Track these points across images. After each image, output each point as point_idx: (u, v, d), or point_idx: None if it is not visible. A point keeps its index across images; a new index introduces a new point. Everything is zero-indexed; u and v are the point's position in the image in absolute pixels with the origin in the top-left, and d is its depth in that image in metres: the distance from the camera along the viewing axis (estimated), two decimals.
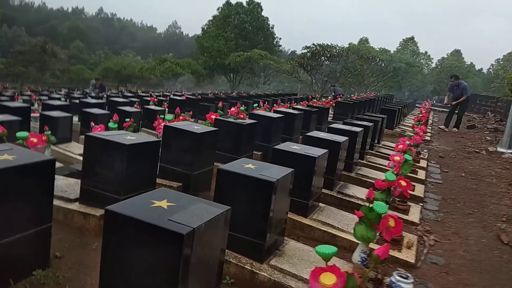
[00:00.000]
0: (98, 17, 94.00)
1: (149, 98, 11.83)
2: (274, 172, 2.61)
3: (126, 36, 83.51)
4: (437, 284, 2.83)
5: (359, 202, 4.07)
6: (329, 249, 1.74)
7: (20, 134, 3.29)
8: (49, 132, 5.96)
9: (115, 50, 66.49)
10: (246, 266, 2.48)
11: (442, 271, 3.04)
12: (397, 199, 4.04)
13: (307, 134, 4.38)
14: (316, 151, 3.45)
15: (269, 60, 31.56)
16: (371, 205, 2.56)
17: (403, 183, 3.36)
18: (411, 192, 4.75)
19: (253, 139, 5.12)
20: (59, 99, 11.48)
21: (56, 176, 3.92)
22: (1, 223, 2.02)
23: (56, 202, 3.02)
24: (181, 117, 5.77)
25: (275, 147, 3.44)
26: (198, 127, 3.91)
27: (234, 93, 20.44)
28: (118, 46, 71.23)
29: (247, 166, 2.69)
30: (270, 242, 2.61)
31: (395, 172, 3.53)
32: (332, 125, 5.27)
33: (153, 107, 8.99)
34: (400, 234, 2.81)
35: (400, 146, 4.87)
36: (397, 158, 4.15)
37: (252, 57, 31.93)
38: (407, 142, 4.95)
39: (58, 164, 4.34)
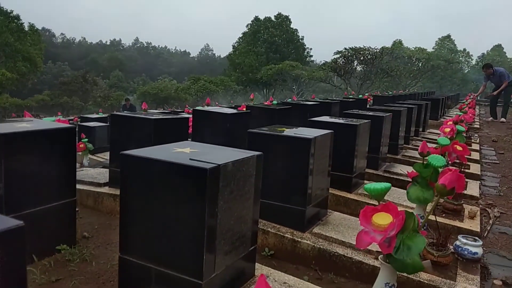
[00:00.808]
0: (135, 47, 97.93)
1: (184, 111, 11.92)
2: (311, 132, 2.36)
3: (162, 63, 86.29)
4: (510, 253, 2.44)
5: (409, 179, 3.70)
6: (382, 185, 1.46)
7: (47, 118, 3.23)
8: (86, 140, 6.02)
9: (152, 76, 68.72)
10: (286, 235, 2.22)
11: None
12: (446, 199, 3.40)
13: (346, 111, 4.09)
14: (358, 122, 3.17)
15: (300, 70, 31.30)
16: (425, 161, 2.24)
17: (459, 147, 2.98)
18: (466, 171, 4.32)
19: None
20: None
21: (87, 168, 3.84)
22: (21, 192, 1.89)
23: (86, 187, 2.92)
24: None
25: (312, 119, 3.19)
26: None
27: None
28: (154, 72, 73.66)
29: (280, 128, 2.45)
30: (312, 211, 2.34)
31: (448, 137, 3.15)
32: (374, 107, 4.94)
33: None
34: (462, 191, 2.44)
35: (449, 123, 4.45)
36: (447, 129, 3.75)
37: (284, 69, 31.80)
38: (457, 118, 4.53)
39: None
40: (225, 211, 1.44)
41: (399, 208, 2.73)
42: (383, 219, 1.37)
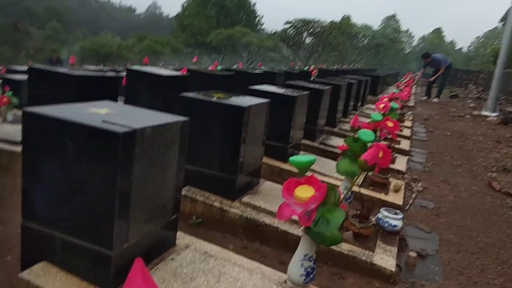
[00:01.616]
0: None
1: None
2: (247, 101, 2.29)
3: (104, 17, 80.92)
4: (427, 226, 2.58)
5: None
6: (306, 157, 1.43)
7: None
8: (11, 93, 5.51)
9: (93, 31, 64.31)
10: (215, 204, 2.17)
11: (432, 214, 2.80)
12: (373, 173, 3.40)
13: (288, 82, 4.05)
14: (296, 93, 3.14)
15: (251, 37, 30.87)
16: (356, 135, 2.26)
17: (390, 123, 3.06)
18: (396, 146, 4.51)
19: None
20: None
21: (5, 124, 3.52)
22: None
23: (0, 145, 2.66)
24: None
25: (252, 87, 3.10)
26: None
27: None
28: (96, 27, 68.92)
29: (217, 95, 2.35)
30: (243, 180, 2.31)
31: (382, 113, 3.23)
32: (316, 79, 4.96)
33: None
34: (388, 166, 2.52)
35: (384, 100, 4.58)
36: (381, 105, 3.85)
37: (234, 35, 31.20)
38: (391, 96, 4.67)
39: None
40: (142, 178, 1.34)
41: (330, 180, 2.78)
42: (305, 192, 1.35)
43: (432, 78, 10.86)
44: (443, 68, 10.48)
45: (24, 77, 6.57)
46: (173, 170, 1.54)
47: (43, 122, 1.30)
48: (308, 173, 1.40)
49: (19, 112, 5.77)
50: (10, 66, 10.66)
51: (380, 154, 2.22)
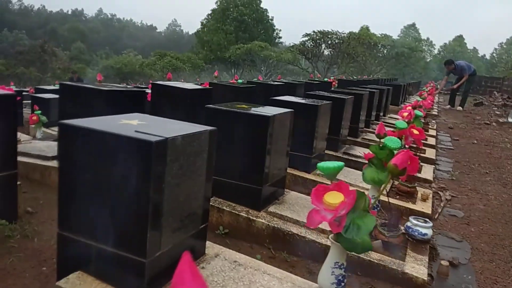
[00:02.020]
0: (98, 18, 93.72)
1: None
2: (271, 110, 2.31)
3: (127, 36, 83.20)
4: (458, 235, 2.52)
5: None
6: (334, 163, 1.43)
7: None
8: (40, 112, 5.70)
9: (116, 50, 66.19)
10: (241, 214, 2.18)
11: (462, 223, 2.73)
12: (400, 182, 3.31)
13: (309, 92, 4.06)
14: (319, 102, 3.15)
15: (269, 51, 31.09)
16: (382, 143, 2.25)
17: (415, 131, 3.03)
18: (421, 155, 4.44)
19: None
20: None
21: (35, 140, 3.64)
22: None
23: (32, 160, 2.76)
24: None
25: (274, 98, 3.13)
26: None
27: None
28: (119, 46, 70.93)
29: (240, 105, 2.39)
30: (268, 190, 2.31)
31: (406, 120, 3.20)
32: (337, 89, 4.95)
33: None
34: (415, 173, 2.49)
35: (408, 108, 4.53)
36: (405, 113, 3.81)
37: (252, 49, 31.48)
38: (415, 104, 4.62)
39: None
40: (173, 187, 1.37)
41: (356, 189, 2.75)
42: (334, 198, 1.34)
43: (455, 86, 10.50)
44: (466, 75, 10.10)
45: (52, 96, 6.81)
46: (202, 179, 1.57)
47: (78, 133, 1.35)
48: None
49: (47, 130, 5.97)
50: (38, 86, 11.05)
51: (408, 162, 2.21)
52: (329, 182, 1.40)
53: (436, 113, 9.56)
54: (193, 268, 0.52)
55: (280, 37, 45.67)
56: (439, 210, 2.88)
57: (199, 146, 1.50)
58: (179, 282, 0.51)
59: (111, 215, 1.34)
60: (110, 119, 1.51)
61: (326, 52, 27.18)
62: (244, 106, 2.41)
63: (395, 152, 2.16)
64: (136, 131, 1.33)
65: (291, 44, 31.12)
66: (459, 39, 53.47)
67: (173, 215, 1.41)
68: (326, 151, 3.68)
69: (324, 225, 2.07)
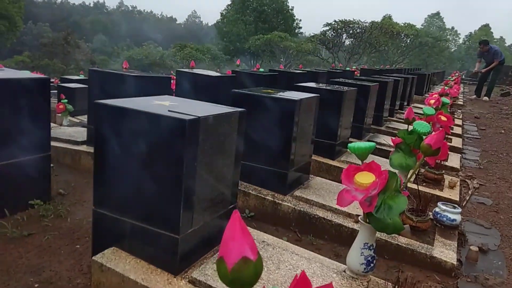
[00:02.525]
0: (119, 11, 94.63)
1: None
2: (297, 95, 2.31)
3: (147, 28, 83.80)
4: (487, 222, 2.48)
5: (392, 150, 3.71)
6: (366, 144, 1.43)
7: None
8: (66, 101, 5.83)
9: (137, 42, 66.79)
10: (267, 197, 2.20)
11: (491, 210, 2.68)
12: (427, 169, 3.22)
13: (333, 79, 4.03)
14: (344, 88, 3.12)
15: (289, 41, 30.85)
16: (410, 127, 2.22)
17: (443, 118, 2.97)
18: (448, 144, 4.35)
19: None
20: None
21: (65, 126, 3.73)
22: None
23: (63, 145, 2.83)
24: None
25: (298, 84, 3.12)
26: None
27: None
28: (139, 38, 71.53)
29: (266, 90, 2.39)
30: (294, 175, 2.32)
31: (434, 107, 3.14)
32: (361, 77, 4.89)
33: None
34: (445, 158, 2.45)
35: (435, 96, 4.44)
36: (432, 101, 3.74)
37: (272, 40, 31.30)
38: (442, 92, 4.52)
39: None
40: (204, 166, 1.39)
41: None
42: (365, 178, 1.34)
43: (484, 70, 9.95)
44: (497, 61, 9.59)
45: (77, 85, 6.94)
46: (231, 160, 1.58)
47: (114, 112, 1.38)
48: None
49: (73, 118, 6.10)
50: (63, 76, 11.27)
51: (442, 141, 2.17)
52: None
53: (461, 103, 9.34)
54: (242, 224, 0.53)
55: (300, 27, 45.24)
56: (467, 198, 2.83)
57: (229, 127, 1.52)
58: (229, 237, 0.53)
59: (145, 192, 1.37)
60: (143, 100, 1.54)
61: (347, 42, 26.82)
62: (270, 90, 2.41)
63: (424, 137, 2.13)
64: (169, 110, 1.35)
65: (311, 35, 30.75)
66: (485, 28, 51.84)
67: (204, 194, 1.43)
68: (350, 139, 3.65)
69: (351, 209, 2.07)
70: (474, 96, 10.97)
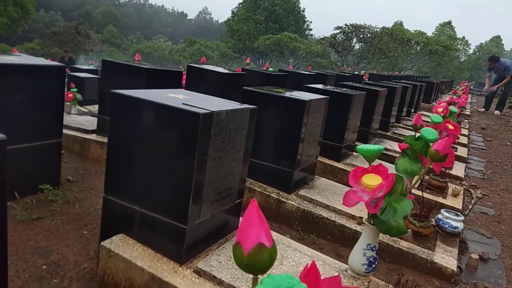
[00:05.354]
0: (131, 3, 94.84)
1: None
2: (308, 95, 2.33)
3: (158, 22, 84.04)
4: (489, 231, 2.50)
5: (398, 155, 3.72)
6: (375, 146, 1.45)
7: None
8: (76, 90, 5.88)
9: (147, 35, 67.04)
10: (272, 195, 2.23)
11: (493, 220, 2.70)
12: (431, 176, 3.25)
13: (342, 82, 4.05)
14: (353, 92, 3.14)
15: (299, 43, 30.84)
16: (418, 134, 2.24)
17: (451, 126, 2.98)
18: (454, 152, 4.36)
19: None
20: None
21: (75, 115, 3.77)
22: (4, 126, 1.84)
23: (73, 133, 2.87)
24: None
25: (308, 85, 3.14)
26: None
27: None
28: (149, 31, 71.81)
29: (277, 89, 2.42)
30: (299, 174, 2.34)
31: (442, 115, 3.15)
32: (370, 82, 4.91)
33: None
34: (451, 166, 2.47)
35: (442, 104, 4.45)
36: (440, 109, 3.75)
37: (282, 40, 31.30)
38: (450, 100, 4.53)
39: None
40: (215, 160, 1.42)
41: None
42: (372, 180, 1.36)
43: (495, 87, 9.61)
44: (509, 76, 9.17)
45: (87, 75, 7.00)
46: (241, 155, 1.61)
47: (129, 102, 1.41)
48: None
49: (81, 108, 6.15)
50: (72, 66, 11.27)
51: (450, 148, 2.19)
52: None
53: (468, 113, 9.32)
54: (260, 213, 0.56)
55: (310, 29, 45.20)
56: (470, 207, 2.85)
57: (240, 123, 1.54)
58: (247, 224, 0.55)
59: (156, 182, 1.40)
60: (157, 92, 1.57)
61: (357, 46, 26.75)
62: (280, 90, 2.44)
63: (431, 144, 2.15)
64: (183, 104, 1.38)
65: (321, 37, 30.71)
66: (496, 39, 51.57)
67: (212, 187, 1.46)
68: (356, 143, 3.67)
69: (354, 211, 2.09)
70: (483, 109, 10.50)
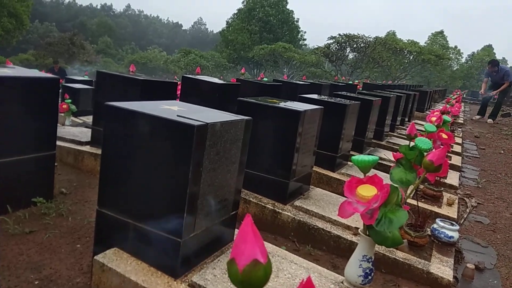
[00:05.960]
0: (126, 14, 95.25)
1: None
2: (302, 106, 2.34)
3: (153, 33, 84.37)
4: (484, 240, 2.50)
5: (392, 164, 3.73)
6: (369, 157, 1.45)
7: None
8: (70, 101, 5.86)
9: (142, 46, 67.24)
10: (267, 206, 2.22)
11: (488, 229, 2.70)
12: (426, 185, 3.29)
13: (336, 92, 4.07)
14: (347, 102, 3.15)
15: (293, 52, 31.05)
16: (412, 143, 2.24)
17: (444, 135, 3.00)
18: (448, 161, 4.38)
19: None
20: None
21: (69, 126, 3.75)
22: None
23: (67, 144, 2.85)
24: None
25: (302, 95, 3.15)
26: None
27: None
28: (144, 42, 72.05)
29: (271, 100, 2.42)
30: (294, 185, 2.34)
31: (436, 124, 3.17)
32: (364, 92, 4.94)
33: None
34: (446, 175, 2.47)
35: (436, 113, 4.48)
36: (433, 118, 3.77)
37: (276, 50, 31.50)
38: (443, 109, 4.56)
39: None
40: (210, 172, 1.42)
41: None
42: (367, 191, 1.36)
43: (494, 92, 9.48)
44: (507, 82, 9.09)
45: (81, 86, 6.98)
46: (236, 167, 1.61)
47: (123, 114, 1.40)
48: None
49: (75, 119, 6.12)
50: (67, 76, 11.19)
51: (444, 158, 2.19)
52: None
53: (462, 121, 9.39)
54: (254, 228, 0.55)
55: (304, 39, 45.60)
56: (465, 216, 2.85)
57: (235, 134, 1.54)
58: (241, 240, 0.55)
59: (150, 195, 1.39)
60: (151, 103, 1.57)
61: (350, 55, 26.97)
62: (275, 100, 2.44)
63: (425, 153, 2.15)
64: (178, 116, 1.38)
65: (315, 47, 30.94)
66: (488, 48, 52.20)
67: (207, 199, 1.45)
68: (351, 152, 3.68)
69: (350, 222, 2.09)
70: (478, 116, 10.44)
